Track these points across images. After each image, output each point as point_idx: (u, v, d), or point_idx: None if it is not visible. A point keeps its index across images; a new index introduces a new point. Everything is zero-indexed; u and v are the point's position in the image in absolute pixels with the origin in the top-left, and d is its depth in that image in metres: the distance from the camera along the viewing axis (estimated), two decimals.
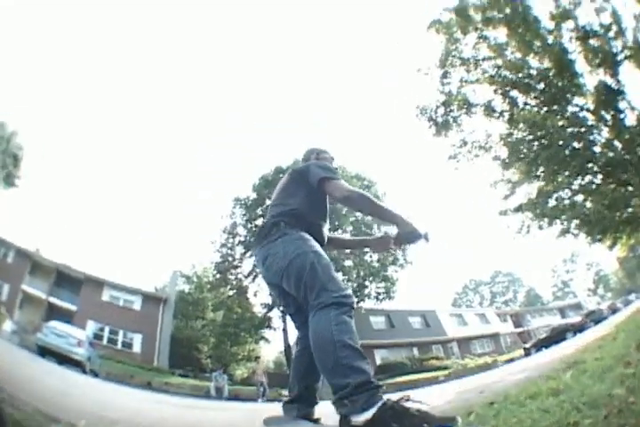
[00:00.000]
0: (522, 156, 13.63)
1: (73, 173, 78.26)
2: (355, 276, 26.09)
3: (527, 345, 23.66)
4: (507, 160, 14.18)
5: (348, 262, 26.59)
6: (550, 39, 12.98)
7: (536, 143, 13.36)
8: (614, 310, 21.99)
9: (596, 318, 20.65)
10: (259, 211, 27.82)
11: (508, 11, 13.02)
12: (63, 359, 12.73)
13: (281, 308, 20.36)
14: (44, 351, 12.89)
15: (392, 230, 2.35)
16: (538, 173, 13.72)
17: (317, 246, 2.25)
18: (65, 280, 23.90)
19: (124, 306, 24.96)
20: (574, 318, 21.41)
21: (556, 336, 19.89)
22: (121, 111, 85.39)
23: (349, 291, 2.06)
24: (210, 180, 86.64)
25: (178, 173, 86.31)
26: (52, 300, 22.89)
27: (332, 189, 2.36)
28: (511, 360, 20.72)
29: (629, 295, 32.05)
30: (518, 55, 13.59)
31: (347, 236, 27.11)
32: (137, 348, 23.78)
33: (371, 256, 26.98)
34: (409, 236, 2.25)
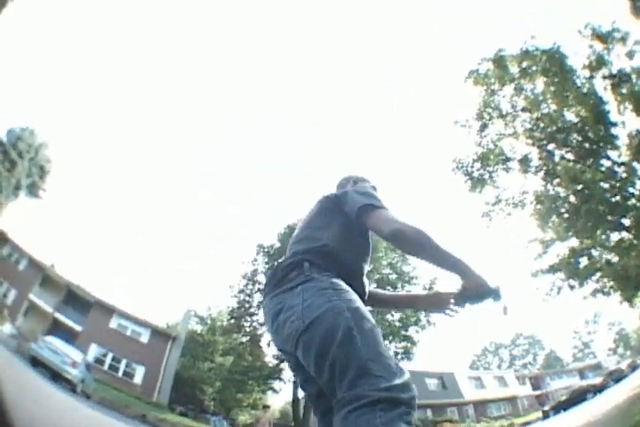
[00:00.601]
0: (562, 211, 13.27)
1: (101, 194, 79.62)
2: None
3: (546, 408, 22.82)
4: (544, 216, 13.79)
5: None
6: (585, 89, 12.84)
7: (572, 198, 13.01)
8: (634, 368, 21.32)
9: (615, 377, 20.09)
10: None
11: (544, 60, 12.94)
12: (54, 375, 12.51)
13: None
14: (36, 363, 12.63)
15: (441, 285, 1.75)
16: (574, 230, 13.20)
17: (357, 301, 1.50)
18: (74, 300, 23.70)
19: (130, 336, 24.42)
20: (595, 379, 20.85)
21: (576, 398, 19.40)
22: (150, 136, 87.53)
23: (408, 377, 1.32)
24: (239, 224, 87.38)
25: (210, 212, 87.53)
26: (58, 316, 22.67)
27: (377, 221, 1.67)
28: (527, 424, 20.94)
29: None
30: (554, 107, 13.43)
31: (388, 290, 26.35)
32: (138, 379, 23.07)
33: (392, 315, 26.05)
34: (477, 292, 1.62)
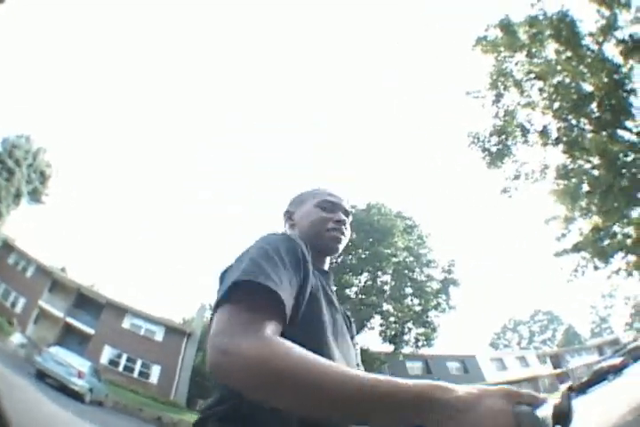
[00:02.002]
0: (590, 187, 12.74)
1: (105, 194, 79.83)
2: (394, 321, 24.80)
3: (568, 389, 22.07)
4: (571, 193, 13.27)
5: (388, 307, 25.49)
6: (598, 54, 12.15)
7: (600, 172, 12.44)
8: None
9: (635, 355, 19.67)
10: None
11: (554, 24, 12.25)
12: (61, 387, 12.43)
13: None
14: (42, 375, 12.57)
15: None
16: (602, 207, 12.69)
17: None
18: (85, 302, 23.52)
19: (144, 335, 24.10)
20: (615, 360, 20.47)
21: (597, 379, 19.09)
22: (157, 140, 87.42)
23: None
24: (249, 219, 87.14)
25: (218, 209, 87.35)
26: (70, 320, 22.54)
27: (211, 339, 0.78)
28: None
29: None
30: (569, 74, 12.70)
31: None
32: (154, 379, 22.84)
33: (412, 300, 25.86)
34: None
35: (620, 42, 11.71)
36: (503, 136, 13.82)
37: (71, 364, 13.15)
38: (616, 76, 11.77)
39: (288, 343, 0.75)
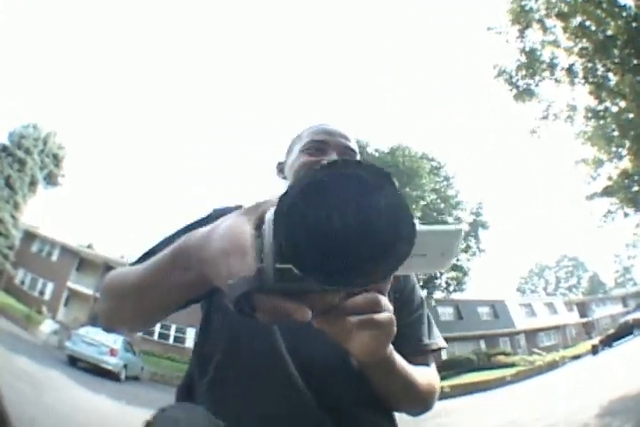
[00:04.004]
0: (628, 129, 12.02)
1: (132, 169, 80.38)
2: None
3: (595, 342, 22.55)
4: (604, 135, 12.85)
5: None
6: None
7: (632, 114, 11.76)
8: None
9: None
10: None
11: None
12: (95, 369, 12.37)
13: None
14: (75, 360, 12.56)
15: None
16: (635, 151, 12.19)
17: None
18: None
19: None
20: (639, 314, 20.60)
21: (623, 332, 19.45)
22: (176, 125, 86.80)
23: None
24: None
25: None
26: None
27: None
28: (577, 357, 21.04)
29: None
30: (588, 16, 11.91)
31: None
32: (190, 343, 22.64)
33: None
34: None
35: None
36: (530, 70, 13.28)
37: (102, 342, 12.89)
38: (634, 24, 11.03)
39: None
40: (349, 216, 0.41)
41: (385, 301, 0.61)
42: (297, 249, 0.40)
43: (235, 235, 0.51)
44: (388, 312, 0.62)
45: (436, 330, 1.10)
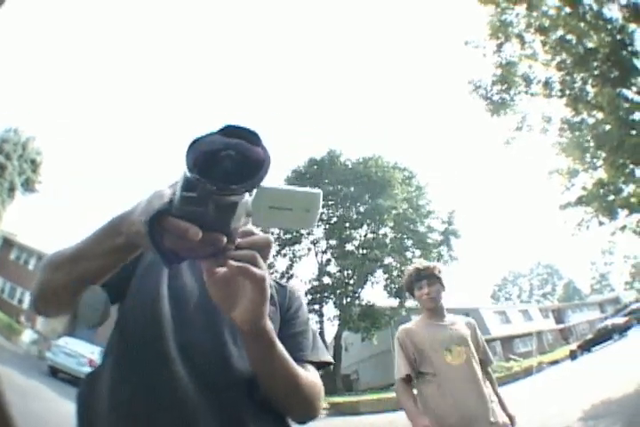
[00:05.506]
0: (605, 140, 12.18)
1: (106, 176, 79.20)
2: (397, 275, 24.74)
3: (573, 347, 22.92)
4: (579, 146, 12.98)
5: (390, 260, 25.59)
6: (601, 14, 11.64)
7: (610, 127, 11.98)
8: None
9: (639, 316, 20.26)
10: None
11: None
12: (75, 380, 11.88)
13: None
14: (56, 371, 12.46)
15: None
16: (611, 163, 12.29)
17: None
18: None
19: None
20: (619, 319, 20.95)
21: (602, 337, 19.38)
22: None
23: None
24: None
25: None
26: None
27: None
28: (556, 362, 20.96)
29: None
30: (570, 30, 12.18)
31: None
32: None
33: (413, 252, 25.94)
34: None
35: (624, 7, 11.26)
36: (505, 85, 13.55)
37: (81, 353, 12.82)
38: (619, 37, 11.36)
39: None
40: (232, 151, 0.61)
41: (262, 262, 0.74)
42: (197, 164, 0.59)
43: (156, 192, 0.71)
44: (263, 270, 0.73)
45: (321, 347, 1.17)
